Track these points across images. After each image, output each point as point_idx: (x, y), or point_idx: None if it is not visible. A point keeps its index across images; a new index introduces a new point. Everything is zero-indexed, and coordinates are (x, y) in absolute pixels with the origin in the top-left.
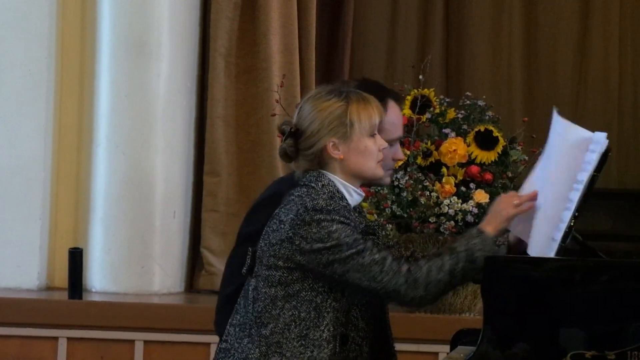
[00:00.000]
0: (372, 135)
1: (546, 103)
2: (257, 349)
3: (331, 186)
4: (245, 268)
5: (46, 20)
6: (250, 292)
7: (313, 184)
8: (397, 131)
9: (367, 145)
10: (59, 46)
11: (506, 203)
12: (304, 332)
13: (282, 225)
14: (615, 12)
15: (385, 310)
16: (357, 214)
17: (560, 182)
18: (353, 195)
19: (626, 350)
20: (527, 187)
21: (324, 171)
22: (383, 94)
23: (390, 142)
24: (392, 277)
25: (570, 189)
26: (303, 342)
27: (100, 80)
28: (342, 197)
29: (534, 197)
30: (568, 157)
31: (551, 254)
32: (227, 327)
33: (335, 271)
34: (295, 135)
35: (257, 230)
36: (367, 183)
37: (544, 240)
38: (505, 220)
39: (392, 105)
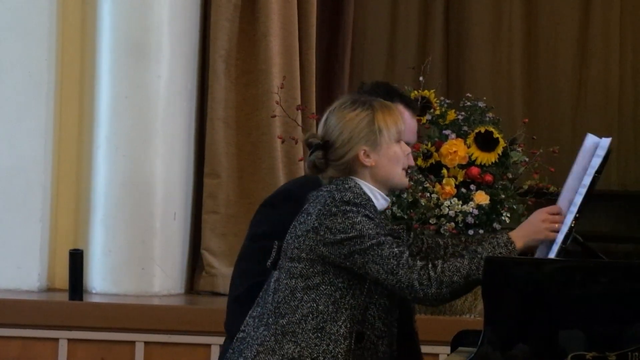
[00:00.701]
0: (398, 142)
1: (546, 105)
2: (272, 337)
3: (358, 188)
4: (269, 261)
5: (46, 22)
6: (272, 284)
7: (340, 186)
8: (406, 137)
9: (396, 151)
10: (59, 48)
11: (548, 223)
12: (321, 324)
13: (309, 217)
14: (616, 15)
15: (410, 313)
16: (383, 217)
17: (572, 188)
18: (379, 199)
19: (627, 351)
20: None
21: (353, 177)
22: (392, 98)
23: None
24: (406, 272)
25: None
26: (319, 335)
27: (100, 81)
28: (369, 199)
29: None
30: (580, 164)
31: (552, 255)
32: (247, 318)
33: (356, 262)
34: (324, 147)
35: (263, 231)
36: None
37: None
38: (539, 241)
39: (400, 110)
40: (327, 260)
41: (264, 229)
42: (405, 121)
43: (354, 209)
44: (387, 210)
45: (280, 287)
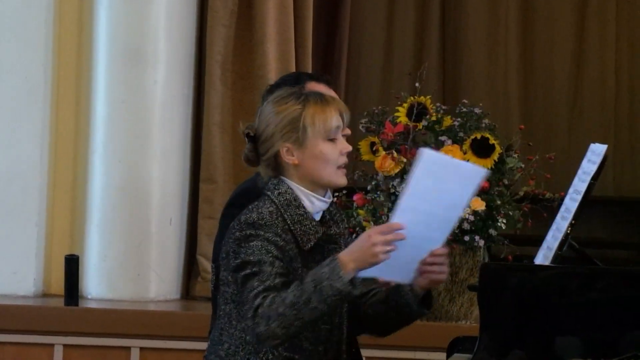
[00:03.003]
0: (331, 140)
1: (542, 111)
2: None
3: (288, 194)
4: (212, 284)
5: (43, 27)
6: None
7: (269, 192)
8: None
9: (323, 150)
10: (55, 53)
11: (380, 246)
12: (247, 356)
13: (227, 239)
14: (612, 21)
15: (342, 329)
16: (315, 222)
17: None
18: (314, 202)
19: (622, 358)
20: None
21: (285, 178)
22: (301, 80)
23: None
24: (247, 310)
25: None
26: None
27: (96, 87)
28: (300, 205)
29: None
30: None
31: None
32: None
33: (237, 283)
34: (254, 139)
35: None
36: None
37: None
38: (374, 264)
39: (311, 85)
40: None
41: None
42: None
43: (255, 232)
44: (383, 217)
45: (220, 312)
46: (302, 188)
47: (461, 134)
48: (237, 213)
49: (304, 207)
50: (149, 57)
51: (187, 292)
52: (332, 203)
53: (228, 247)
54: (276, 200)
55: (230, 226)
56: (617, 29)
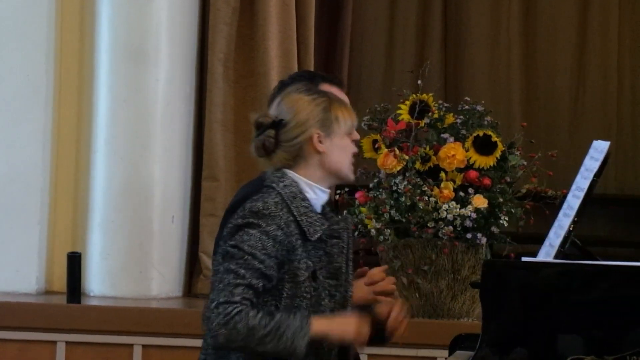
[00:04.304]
0: (349, 135)
1: (545, 108)
2: None
3: (293, 186)
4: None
5: (45, 26)
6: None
7: (274, 184)
8: None
9: (347, 144)
10: (57, 52)
11: (361, 337)
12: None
13: (228, 224)
14: (614, 19)
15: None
16: (320, 216)
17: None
18: (317, 193)
19: (625, 355)
20: None
21: (289, 171)
22: (316, 80)
23: None
24: (223, 291)
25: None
26: None
27: (98, 85)
28: (305, 198)
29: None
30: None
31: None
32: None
33: (219, 261)
34: (276, 126)
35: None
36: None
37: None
38: (339, 339)
39: (326, 88)
40: None
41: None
42: None
43: (256, 222)
44: (385, 214)
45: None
46: (307, 180)
47: (463, 132)
48: None
49: (308, 200)
50: (151, 56)
51: (190, 289)
52: (328, 203)
53: (226, 232)
54: (282, 192)
55: (235, 213)
56: (620, 25)
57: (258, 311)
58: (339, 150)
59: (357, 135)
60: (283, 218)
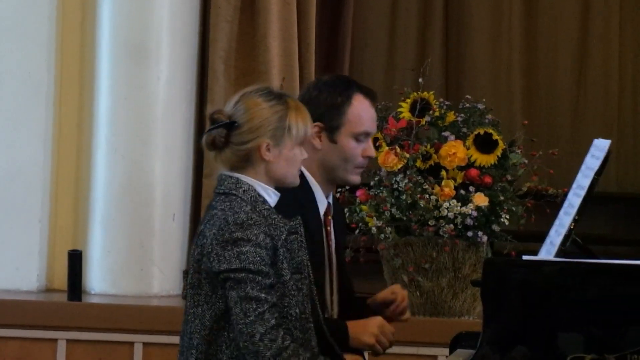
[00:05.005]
0: (301, 144)
1: (546, 107)
2: None
3: (252, 191)
4: (183, 292)
5: (46, 24)
6: (184, 315)
7: (234, 191)
8: (363, 125)
9: (296, 154)
10: (58, 49)
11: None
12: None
13: (205, 241)
14: (615, 17)
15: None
16: (279, 216)
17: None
18: (272, 196)
19: (626, 353)
20: None
21: (241, 176)
22: (351, 89)
23: (357, 137)
24: (256, 321)
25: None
26: None
27: (99, 83)
28: (264, 201)
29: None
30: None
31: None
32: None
33: (225, 287)
34: (229, 126)
35: None
36: (333, 182)
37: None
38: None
39: (357, 98)
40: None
41: None
42: (366, 111)
43: (245, 236)
44: (386, 212)
45: (189, 317)
46: (262, 184)
47: (464, 130)
48: None
49: (268, 203)
50: (152, 54)
51: None
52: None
53: (210, 249)
54: (245, 198)
55: (216, 228)
56: (621, 24)
57: (305, 349)
58: (285, 161)
59: (372, 152)
60: (262, 223)
